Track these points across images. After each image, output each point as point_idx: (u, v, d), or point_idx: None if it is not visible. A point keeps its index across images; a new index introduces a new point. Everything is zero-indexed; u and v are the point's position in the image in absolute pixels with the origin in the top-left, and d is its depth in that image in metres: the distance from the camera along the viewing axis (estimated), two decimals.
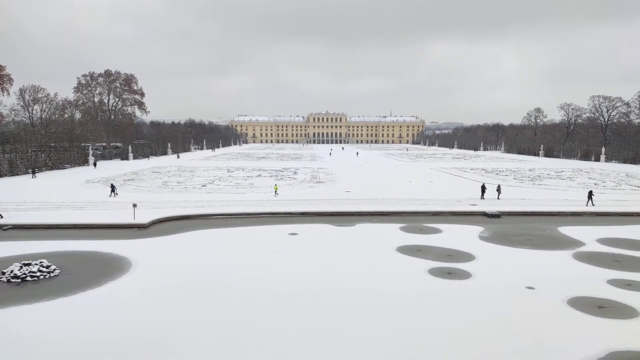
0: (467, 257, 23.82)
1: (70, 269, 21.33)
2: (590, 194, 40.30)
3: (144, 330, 14.71)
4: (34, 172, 63.46)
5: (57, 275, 20.43)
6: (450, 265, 22.09)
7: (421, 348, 13.56)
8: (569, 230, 30.75)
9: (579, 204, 40.60)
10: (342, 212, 36.11)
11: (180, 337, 14.20)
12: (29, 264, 20.43)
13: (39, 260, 20.93)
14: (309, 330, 14.77)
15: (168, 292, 18.21)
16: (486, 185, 45.33)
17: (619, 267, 22.16)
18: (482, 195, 43.43)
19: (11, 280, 19.48)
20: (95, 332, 14.56)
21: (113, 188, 43.68)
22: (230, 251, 24.77)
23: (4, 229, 30.21)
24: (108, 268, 21.51)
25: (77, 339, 14.06)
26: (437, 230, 30.42)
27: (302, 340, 14.02)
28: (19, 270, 19.94)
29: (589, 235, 29.08)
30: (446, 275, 20.51)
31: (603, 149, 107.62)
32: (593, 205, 39.36)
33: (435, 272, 21.02)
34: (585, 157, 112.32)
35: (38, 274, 19.96)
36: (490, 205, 39.74)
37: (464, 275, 20.65)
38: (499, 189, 44.14)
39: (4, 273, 19.95)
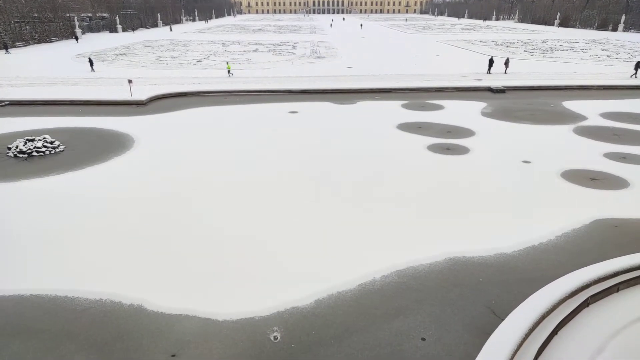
0: (467, 133, 23.89)
1: (74, 144, 21.61)
2: (638, 64, 39.06)
3: (154, 202, 15.47)
4: (6, 48, 58.19)
5: (62, 150, 20.78)
6: (449, 141, 22.28)
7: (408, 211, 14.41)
8: (573, 105, 30.34)
9: (587, 78, 39.38)
10: (343, 90, 35.25)
11: (189, 207, 15.01)
12: (32, 140, 20.65)
13: (42, 136, 21.10)
14: (305, 207, 15.55)
15: (172, 168, 18.72)
16: (494, 59, 43.40)
17: (617, 141, 22.36)
18: (489, 69, 41.87)
19: (18, 155, 19.88)
20: (105, 203, 15.34)
21: (91, 63, 42.31)
22: (229, 129, 24.81)
23: (2, 105, 29.90)
24: (111, 144, 21.79)
25: (89, 208, 14.88)
26: (439, 107, 30.02)
27: (298, 219, 14.84)
28: (23, 145, 20.22)
29: (593, 109, 28.79)
30: (444, 151, 20.82)
31: (623, 17, 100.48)
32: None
33: (433, 148, 21.28)
34: (603, 26, 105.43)
35: (43, 149, 20.30)
36: (496, 80, 38.57)
37: (462, 150, 20.95)
38: (507, 63, 42.40)
39: (9, 148, 20.28)
